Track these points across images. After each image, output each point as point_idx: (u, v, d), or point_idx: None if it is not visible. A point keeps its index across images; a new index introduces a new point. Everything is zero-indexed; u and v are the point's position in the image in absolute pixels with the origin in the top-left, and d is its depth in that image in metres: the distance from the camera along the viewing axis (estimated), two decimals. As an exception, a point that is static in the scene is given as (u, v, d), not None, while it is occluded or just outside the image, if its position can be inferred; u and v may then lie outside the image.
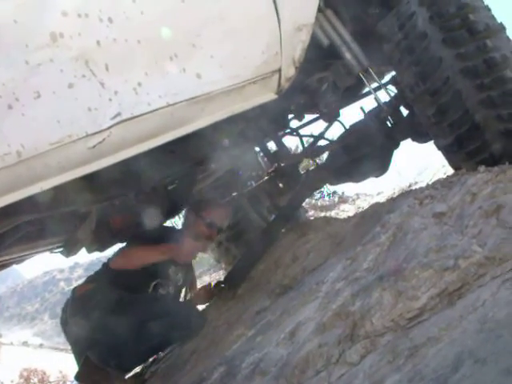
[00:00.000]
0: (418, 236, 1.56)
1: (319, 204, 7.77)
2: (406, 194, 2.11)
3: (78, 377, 2.41)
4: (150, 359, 2.88)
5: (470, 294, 1.27)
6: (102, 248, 2.76)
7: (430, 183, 2.09)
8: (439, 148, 2.19)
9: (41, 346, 19.69)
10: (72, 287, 2.97)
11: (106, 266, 2.73)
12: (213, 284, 2.90)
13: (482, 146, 1.97)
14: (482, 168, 1.85)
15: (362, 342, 1.33)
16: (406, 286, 1.37)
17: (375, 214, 2.09)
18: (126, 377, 2.73)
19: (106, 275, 2.63)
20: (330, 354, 1.37)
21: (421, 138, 2.64)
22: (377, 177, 3.14)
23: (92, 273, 2.82)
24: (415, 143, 2.78)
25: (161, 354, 2.83)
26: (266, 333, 1.75)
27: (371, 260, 1.63)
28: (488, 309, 1.15)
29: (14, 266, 2.91)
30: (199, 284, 3.41)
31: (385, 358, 1.23)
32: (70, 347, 2.61)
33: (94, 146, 1.48)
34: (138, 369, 2.92)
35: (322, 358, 1.38)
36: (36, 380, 10.86)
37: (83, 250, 2.84)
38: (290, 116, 3.21)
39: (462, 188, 1.73)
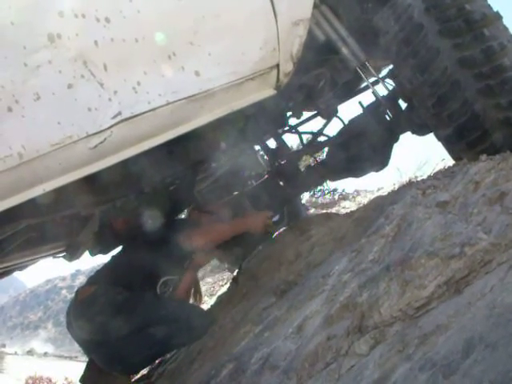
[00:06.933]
0: (422, 225, 1.55)
1: (320, 202, 7.77)
2: (408, 185, 2.10)
3: (82, 380, 2.40)
4: (157, 361, 2.87)
5: (477, 281, 1.27)
6: (105, 250, 2.76)
7: (432, 174, 2.08)
8: (439, 139, 2.19)
9: (45, 354, 19.63)
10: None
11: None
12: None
13: (482, 135, 1.97)
14: (483, 157, 1.85)
15: (370, 332, 1.33)
16: (412, 275, 1.36)
17: (378, 207, 2.09)
18: (133, 379, 2.73)
19: (109, 275, 2.57)
20: (339, 346, 1.36)
21: (420, 130, 2.64)
22: (377, 171, 3.14)
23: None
24: (414, 137, 2.78)
25: (167, 355, 2.81)
26: (274, 328, 1.74)
27: (376, 251, 1.62)
28: (496, 294, 1.14)
29: (16, 276, 2.93)
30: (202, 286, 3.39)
31: (394, 347, 1.22)
32: (74, 354, 2.62)
33: (96, 146, 1.48)
34: (144, 371, 2.91)
35: (331, 350, 1.37)
36: (42, 387, 10.85)
37: (86, 255, 2.84)
38: (289, 114, 3.21)
39: (465, 177, 1.72)
